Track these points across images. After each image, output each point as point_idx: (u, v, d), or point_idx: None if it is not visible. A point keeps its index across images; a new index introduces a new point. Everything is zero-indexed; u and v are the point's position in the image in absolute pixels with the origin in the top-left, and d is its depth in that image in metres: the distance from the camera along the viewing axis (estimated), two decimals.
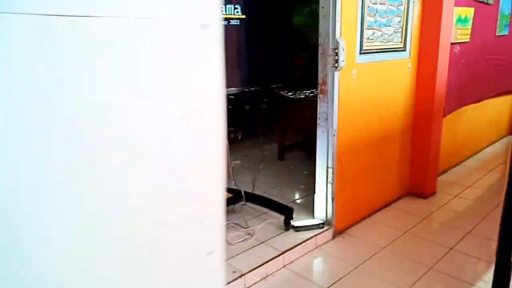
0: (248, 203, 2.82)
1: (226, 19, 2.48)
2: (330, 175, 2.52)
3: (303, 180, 3.44)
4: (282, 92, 3.88)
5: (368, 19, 2.44)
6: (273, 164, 3.99)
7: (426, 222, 2.79)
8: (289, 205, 2.92)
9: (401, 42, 2.76)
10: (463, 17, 3.15)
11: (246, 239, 2.45)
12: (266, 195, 3.14)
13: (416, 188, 3.21)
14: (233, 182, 2.68)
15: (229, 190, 2.72)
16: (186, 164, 0.91)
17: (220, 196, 0.98)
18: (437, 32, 2.83)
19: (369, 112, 2.68)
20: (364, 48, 2.47)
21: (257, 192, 3.17)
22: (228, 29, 2.50)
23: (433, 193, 3.24)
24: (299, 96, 3.75)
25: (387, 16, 2.58)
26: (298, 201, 3.04)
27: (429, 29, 2.88)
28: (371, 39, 2.51)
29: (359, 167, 2.70)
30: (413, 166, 3.21)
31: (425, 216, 2.87)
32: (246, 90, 2.61)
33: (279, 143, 4.05)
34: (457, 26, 3.12)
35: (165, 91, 0.83)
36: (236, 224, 2.62)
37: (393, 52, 2.73)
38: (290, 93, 3.82)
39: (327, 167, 2.51)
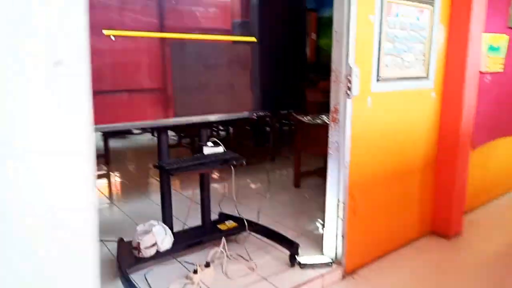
0: (254, 233, 2.67)
1: (239, 41, 2.41)
2: (340, 210, 2.34)
3: (317, 211, 3.25)
4: (299, 117, 3.76)
5: (386, 45, 2.30)
6: (288, 190, 3.84)
7: (449, 267, 2.53)
8: (299, 237, 2.76)
9: (424, 70, 2.58)
10: (495, 45, 2.93)
11: (247, 273, 2.29)
12: (276, 224, 2.98)
13: (439, 228, 2.94)
14: (236, 211, 2.55)
15: (233, 218, 2.59)
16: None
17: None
18: (464, 60, 2.63)
19: (386, 143, 2.49)
20: (381, 75, 2.31)
21: (267, 220, 3.02)
22: (243, 52, 2.43)
23: (458, 234, 2.96)
24: (316, 121, 3.61)
25: (408, 42, 2.42)
26: (308, 234, 2.85)
27: (455, 57, 2.68)
28: (390, 66, 2.35)
29: (373, 203, 2.51)
30: (436, 202, 2.96)
31: (448, 260, 2.61)
32: (262, 114, 2.50)
33: (296, 169, 3.90)
34: (489, 54, 2.90)
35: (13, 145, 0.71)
36: (239, 255, 2.47)
37: (415, 81, 2.55)
38: (308, 118, 3.69)
39: (338, 201, 2.34)
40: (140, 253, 2.06)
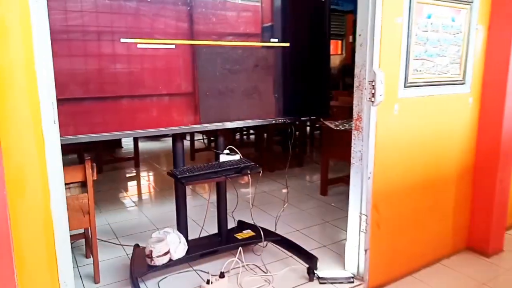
0: (273, 244, 2.59)
1: (269, 46, 2.35)
2: (363, 223, 2.20)
3: (343, 221, 3.10)
4: (327, 123, 3.63)
5: (416, 48, 2.14)
6: (314, 198, 3.71)
7: None
8: (321, 249, 2.64)
9: (459, 74, 2.39)
10: None
11: (262, 286, 2.21)
12: (298, 234, 2.88)
13: (476, 243, 2.71)
14: (254, 219, 2.47)
15: (251, 227, 2.51)
16: None
17: None
18: (506, 63, 2.40)
19: (415, 152, 2.32)
20: (409, 81, 2.15)
21: (289, 229, 2.94)
22: (269, 57, 2.36)
23: (499, 251, 2.71)
24: (345, 127, 3.46)
25: (441, 45, 2.24)
26: (331, 245, 2.72)
27: (496, 59, 2.46)
28: (420, 70, 2.19)
29: (400, 215, 2.34)
30: (473, 216, 2.73)
31: (486, 280, 2.38)
32: (284, 121, 2.42)
33: (323, 176, 3.76)
34: None
35: None
36: (256, 266, 2.39)
37: (449, 86, 2.36)
38: (336, 123, 3.55)
39: (360, 213, 2.21)
40: (153, 261, 2.03)
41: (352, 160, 2.21)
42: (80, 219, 2.10)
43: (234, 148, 2.25)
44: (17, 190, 1.19)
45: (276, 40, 2.36)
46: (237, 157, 2.23)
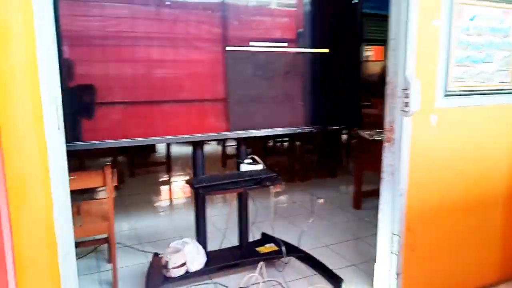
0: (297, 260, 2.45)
1: (300, 53, 2.26)
2: (395, 244, 2.02)
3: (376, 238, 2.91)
4: (362, 132, 3.44)
5: (457, 53, 1.94)
6: (346, 211, 3.52)
7: None
8: (349, 268, 2.47)
9: (508, 82, 2.14)
10: None
11: None
12: (326, 249, 2.73)
13: None
14: (276, 232, 2.35)
15: (275, 240, 2.39)
16: None
17: None
18: None
19: (456, 168, 2.10)
20: (449, 89, 1.96)
21: (316, 244, 2.78)
22: (303, 62, 2.27)
23: None
24: (381, 137, 3.25)
25: (486, 50, 2.02)
26: (361, 265, 2.54)
27: None
28: (462, 78, 1.98)
29: (438, 238, 2.13)
30: None
31: None
32: (311, 130, 2.30)
33: (356, 188, 3.57)
34: None
35: None
36: (277, 282, 2.27)
37: (496, 95, 2.12)
38: (370, 133, 3.35)
39: (392, 233, 2.02)
40: (169, 272, 1.98)
41: (383, 174, 2.04)
42: (99, 225, 2.09)
43: (256, 158, 2.16)
44: (19, 199, 1.16)
45: (309, 46, 2.26)
46: (259, 166, 2.13)
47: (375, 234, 2.92)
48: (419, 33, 1.85)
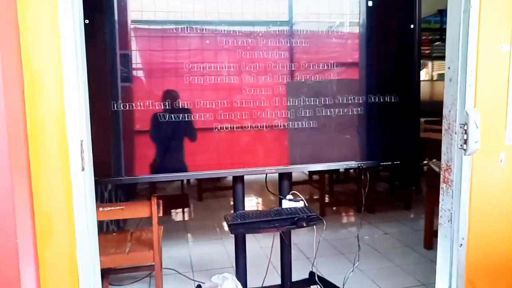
0: None
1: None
2: None
3: None
4: (433, 165, 3.11)
5: None
6: (415, 252, 3.18)
7: None
8: None
9: None
10: None
11: None
12: None
13: None
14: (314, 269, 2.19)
15: (324, 282, 2.23)
16: None
17: None
18: None
19: None
20: None
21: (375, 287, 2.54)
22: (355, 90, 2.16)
23: None
24: None
25: None
26: None
27: None
28: None
29: None
30: None
31: None
32: (365, 165, 2.14)
33: (427, 226, 3.21)
34: None
35: None
36: None
37: None
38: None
39: None
40: None
41: (440, 220, 1.79)
42: (144, 254, 2.17)
43: (298, 193, 2.06)
44: (45, 237, 1.25)
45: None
46: (300, 204, 2.02)
47: None
48: (483, 59, 1.62)
